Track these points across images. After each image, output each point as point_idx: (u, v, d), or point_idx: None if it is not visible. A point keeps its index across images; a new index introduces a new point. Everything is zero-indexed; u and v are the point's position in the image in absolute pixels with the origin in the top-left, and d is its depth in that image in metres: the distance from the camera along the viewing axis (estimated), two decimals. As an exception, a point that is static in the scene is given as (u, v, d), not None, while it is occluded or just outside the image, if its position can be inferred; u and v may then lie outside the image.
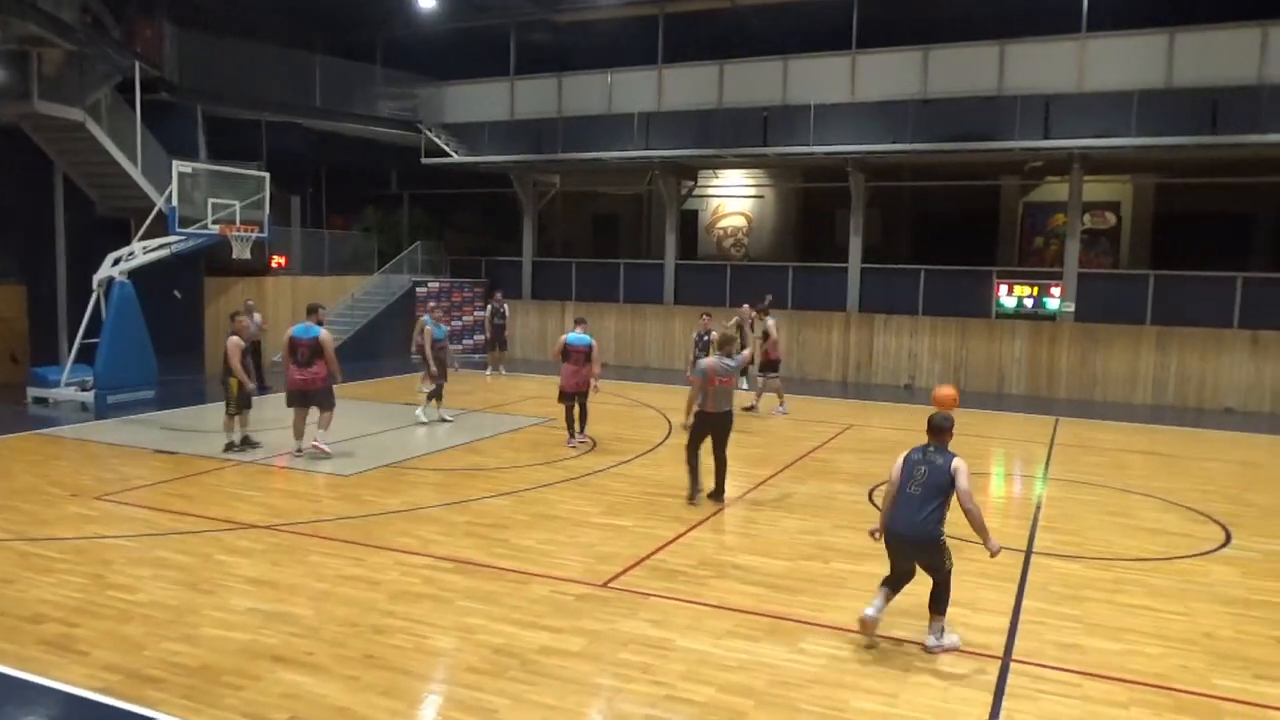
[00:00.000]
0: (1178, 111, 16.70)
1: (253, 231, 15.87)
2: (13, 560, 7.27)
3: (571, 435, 12.29)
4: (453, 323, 21.53)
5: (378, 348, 21.07)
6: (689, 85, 20.91)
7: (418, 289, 22.72)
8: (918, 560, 6.05)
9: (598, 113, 21.72)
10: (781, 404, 15.34)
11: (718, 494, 9.56)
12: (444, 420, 13.68)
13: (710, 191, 25.65)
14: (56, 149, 16.44)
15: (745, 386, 15.95)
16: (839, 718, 5.07)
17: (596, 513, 9.06)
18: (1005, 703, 5.29)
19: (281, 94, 20.87)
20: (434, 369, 13.40)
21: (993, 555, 5.96)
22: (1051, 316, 18.80)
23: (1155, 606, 6.88)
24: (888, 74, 19.00)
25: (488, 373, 19.51)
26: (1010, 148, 18.00)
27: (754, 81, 20.20)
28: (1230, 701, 5.40)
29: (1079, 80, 17.56)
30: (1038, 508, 9.87)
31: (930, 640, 5.94)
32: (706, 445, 9.47)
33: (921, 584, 6.04)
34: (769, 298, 16.79)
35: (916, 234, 24.21)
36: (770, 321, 15.40)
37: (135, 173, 16.24)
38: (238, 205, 15.53)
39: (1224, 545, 8.59)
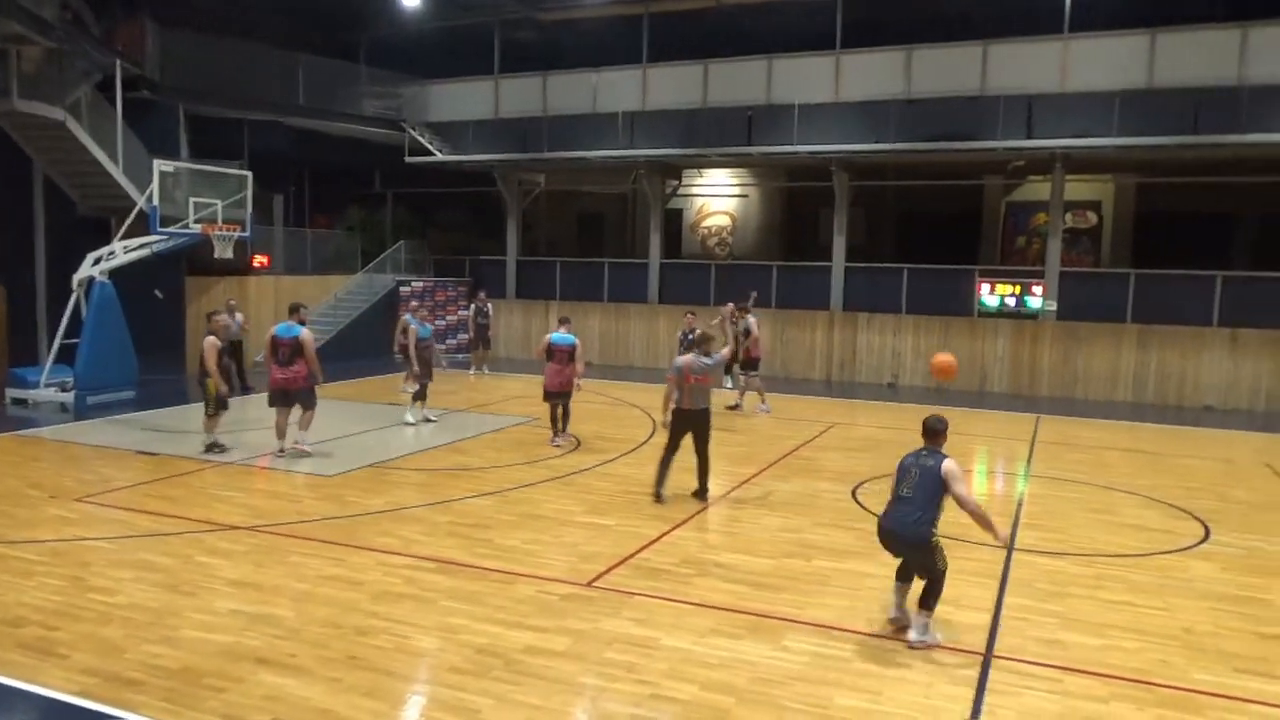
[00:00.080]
0: (1159, 112, 16.82)
1: (235, 231, 15.77)
2: (-9, 562, 7.20)
3: (555, 434, 12.29)
4: (436, 322, 21.45)
5: (361, 347, 20.97)
6: (674, 85, 20.91)
7: (401, 288, 22.64)
8: (909, 560, 6.12)
9: (582, 112, 21.68)
10: (763, 402, 15.37)
11: (701, 492, 9.57)
12: (428, 420, 13.65)
13: (695, 191, 25.68)
14: (36, 147, 16.30)
15: (729, 385, 15.99)
16: (822, 714, 5.09)
17: (580, 512, 9.06)
18: (987, 698, 5.32)
19: (265, 92, 20.77)
20: (417, 369, 13.37)
21: (1002, 544, 6.08)
22: (1033, 315, 18.91)
23: (1136, 602, 6.93)
24: (871, 74, 19.06)
25: (471, 372, 19.46)
26: (993, 147, 18.11)
27: (738, 81, 20.21)
28: (1209, 695, 5.44)
29: (1061, 80, 17.66)
30: (1020, 505, 9.93)
31: (913, 635, 5.98)
32: (688, 444, 9.48)
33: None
34: (754, 294, 16.82)
35: (900, 233, 24.30)
36: (751, 319, 15.41)
37: (116, 172, 16.12)
38: (220, 204, 15.44)
39: (1203, 541, 8.67)
